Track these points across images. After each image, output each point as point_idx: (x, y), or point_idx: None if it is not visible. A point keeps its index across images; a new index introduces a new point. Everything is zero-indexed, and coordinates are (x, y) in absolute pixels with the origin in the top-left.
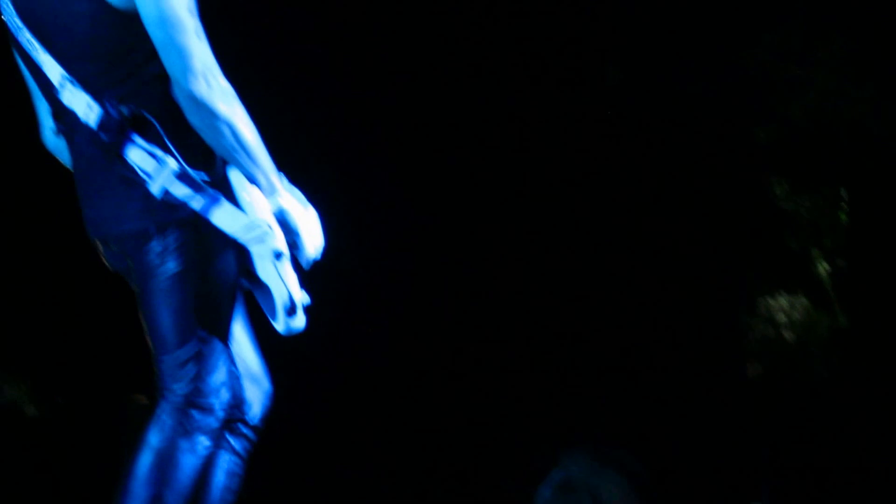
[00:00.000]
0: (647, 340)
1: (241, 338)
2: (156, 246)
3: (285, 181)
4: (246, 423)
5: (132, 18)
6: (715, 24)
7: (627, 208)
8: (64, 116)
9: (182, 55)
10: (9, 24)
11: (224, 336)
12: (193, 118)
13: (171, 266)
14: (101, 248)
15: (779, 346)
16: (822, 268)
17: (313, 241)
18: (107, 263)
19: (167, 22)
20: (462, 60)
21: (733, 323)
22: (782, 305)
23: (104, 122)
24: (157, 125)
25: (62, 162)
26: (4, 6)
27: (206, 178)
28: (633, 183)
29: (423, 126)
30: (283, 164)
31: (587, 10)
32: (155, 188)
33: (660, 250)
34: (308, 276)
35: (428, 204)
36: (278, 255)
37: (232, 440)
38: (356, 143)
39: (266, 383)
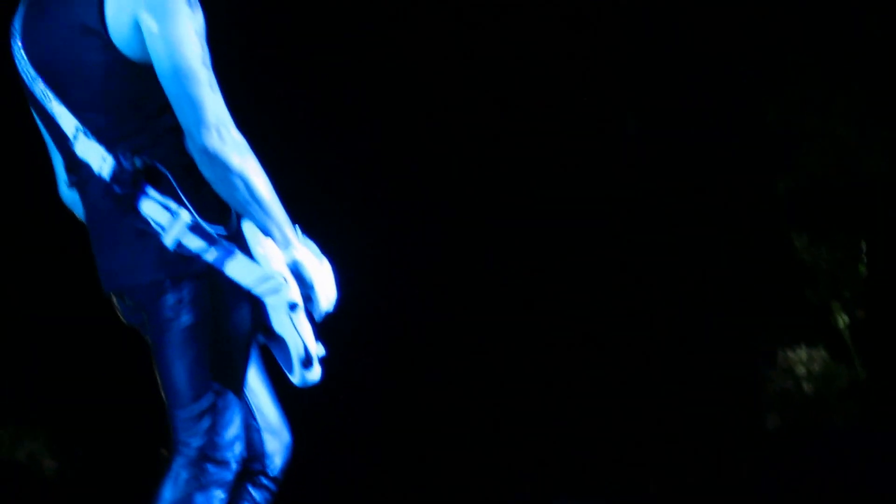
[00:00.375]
0: (667, 391)
1: (259, 390)
2: (170, 298)
3: (300, 233)
4: (267, 475)
5: (147, 70)
6: (735, 75)
7: (647, 258)
8: (77, 168)
9: (195, 108)
10: (23, 75)
11: (239, 389)
12: (206, 171)
13: (185, 319)
14: (115, 301)
15: (798, 399)
16: (842, 320)
17: (327, 294)
18: (121, 317)
19: (180, 74)
20: (486, 113)
21: (752, 375)
22: (801, 357)
23: (118, 174)
24: (170, 177)
25: (78, 216)
26: (19, 56)
27: (220, 231)
28: (653, 233)
29: (438, 176)
30: (297, 217)
31: (607, 61)
32: (168, 240)
33: (679, 301)
34: (323, 327)
35: (447, 257)
36: (293, 307)
37: (253, 492)
38: (371, 196)
39: (286, 435)
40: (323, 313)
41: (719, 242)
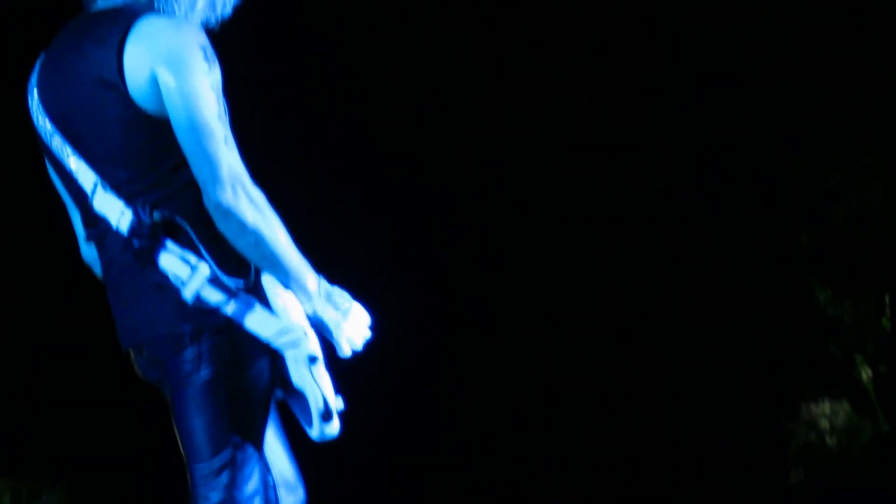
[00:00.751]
0: (692, 445)
1: (275, 445)
2: (190, 352)
3: (324, 283)
4: None
5: (165, 124)
6: (758, 130)
7: (672, 312)
8: (95, 223)
9: (210, 164)
10: (39, 130)
11: (258, 443)
12: (222, 226)
13: (205, 372)
14: (133, 356)
15: (821, 452)
16: (865, 373)
17: (353, 338)
18: (138, 372)
19: (196, 129)
20: (520, 173)
21: (776, 428)
22: (825, 411)
23: (136, 228)
24: (189, 231)
25: (96, 274)
26: (36, 111)
27: (239, 284)
28: (678, 287)
29: (469, 231)
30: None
31: (632, 116)
32: (187, 294)
33: (703, 354)
34: (342, 381)
35: (471, 306)
36: (313, 360)
37: None
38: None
39: (301, 492)
40: (348, 355)
41: (743, 295)
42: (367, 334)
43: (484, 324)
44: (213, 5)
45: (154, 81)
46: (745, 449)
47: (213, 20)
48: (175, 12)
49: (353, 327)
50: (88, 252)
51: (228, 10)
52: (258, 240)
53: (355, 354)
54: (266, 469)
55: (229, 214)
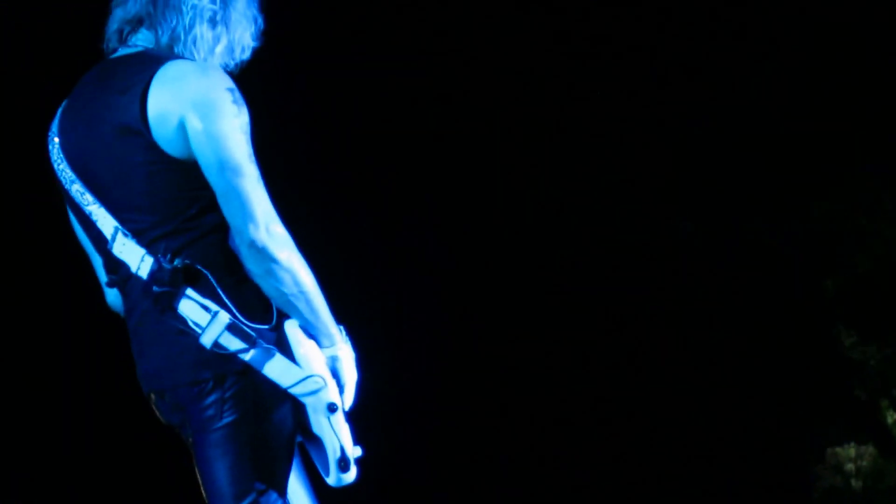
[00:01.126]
0: (719, 489)
1: (297, 489)
2: (211, 397)
3: (343, 333)
4: None
5: (190, 168)
6: (783, 177)
7: (698, 357)
8: (116, 268)
9: (242, 204)
10: (60, 177)
11: (282, 489)
12: (253, 266)
13: (226, 417)
14: (154, 399)
15: (847, 495)
16: (891, 417)
17: (350, 394)
18: (160, 416)
19: (227, 170)
20: (558, 218)
21: (802, 472)
22: (850, 455)
23: (156, 274)
24: (210, 277)
25: (122, 316)
26: (56, 159)
27: (261, 330)
28: (704, 331)
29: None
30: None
31: (662, 162)
32: (206, 341)
33: (730, 400)
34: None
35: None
36: (332, 409)
37: None
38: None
39: None
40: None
41: (770, 340)
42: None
43: (515, 377)
44: (231, 50)
45: (181, 126)
46: (772, 492)
47: (232, 65)
48: (195, 57)
49: (353, 380)
50: (112, 297)
51: (248, 54)
52: (290, 280)
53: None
54: None
55: (262, 253)
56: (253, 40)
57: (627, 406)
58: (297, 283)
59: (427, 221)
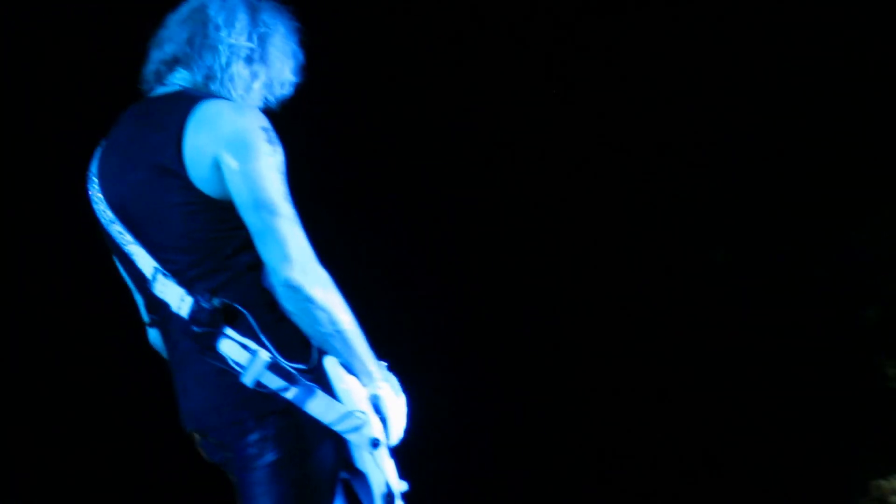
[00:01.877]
0: None
1: None
2: (254, 436)
3: (384, 369)
4: None
5: (226, 208)
6: (821, 206)
7: (736, 390)
8: (157, 308)
9: (277, 243)
10: (100, 218)
11: None
12: (289, 305)
13: (269, 456)
14: (197, 439)
15: None
16: None
17: (398, 428)
18: (203, 455)
19: (262, 209)
20: (588, 242)
21: None
22: (894, 486)
23: (196, 314)
24: (249, 316)
25: (163, 355)
26: (96, 200)
27: (300, 368)
28: (741, 365)
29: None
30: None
31: (695, 194)
32: (247, 380)
33: (771, 433)
34: (403, 461)
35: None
36: (375, 444)
37: None
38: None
39: None
40: (390, 447)
41: (808, 372)
42: (403, 427)
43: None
44: (270, 87)
45: (216, 166)
46: None
47: (272, 101)
48: (232, 96)
49: (400, 417)
50: (154, 336)
51: (288, 90)
52: (326, 318)
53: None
54: None
55: (298, 292)
56: (293, 76)
57: (664, 438)
58: (333, 321)
59: (472, 253)
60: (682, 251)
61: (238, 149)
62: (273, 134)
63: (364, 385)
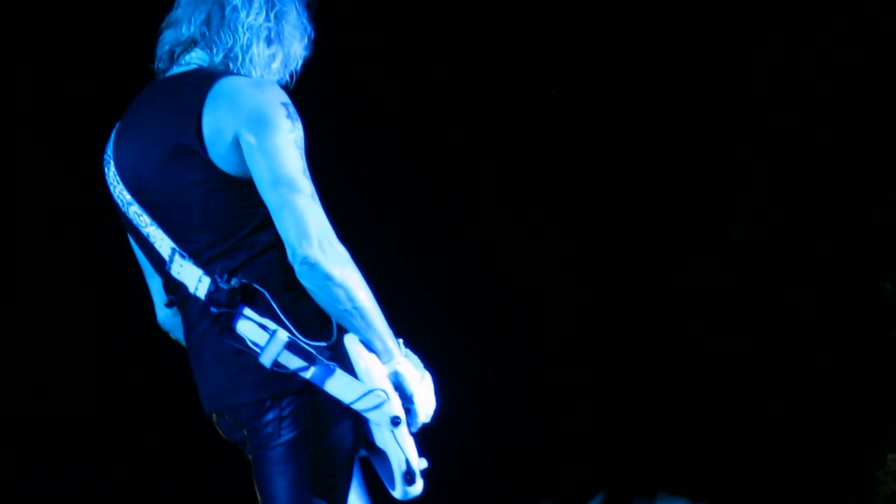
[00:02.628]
0: (778, 497)
1: None
2: (270, 415)
3: (402, 346)
4: None
5: (245, 186)
6: (839, 180)
7: (753, 365)
8: (175, 289)
9: (296, 219)
10: (117, 200)
11: None
12: (308, 282)
13: (286, 434)
14: (215, 418)
15: None
16: None
17: (426, 407)
18: (222, 435)
19: (282, 184)
20: (593, 216)
21: (863, 479)
22: None
23: (214, 294)
24: (267, 296)
25: (174, 338)
26: (113, 182)
27: (320, 347)
28: (759, 338)
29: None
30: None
31: (711, 168)
32: (266, 360)
33: (788, 407)
34: (424, 440)
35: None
36: (395, 422)
37: None
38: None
39: None
40: (420, 425)
41: (828, 346)
42: (434, 404)
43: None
44: (286, 64)
45: (236, 142)
46: (832, 498)
47: (287, 77)
48: (252, 74)
49: (427, 394)
50: (164, 317)
51: (299, 64)
52: (344, 296)
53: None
54: None
55: (317, 270)
56: (304, 50)
57: (679, 410)
58: (351, 299)
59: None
60: (699, 227)
61: (257, 124)
62: (293, 109)
63: (384, 362)
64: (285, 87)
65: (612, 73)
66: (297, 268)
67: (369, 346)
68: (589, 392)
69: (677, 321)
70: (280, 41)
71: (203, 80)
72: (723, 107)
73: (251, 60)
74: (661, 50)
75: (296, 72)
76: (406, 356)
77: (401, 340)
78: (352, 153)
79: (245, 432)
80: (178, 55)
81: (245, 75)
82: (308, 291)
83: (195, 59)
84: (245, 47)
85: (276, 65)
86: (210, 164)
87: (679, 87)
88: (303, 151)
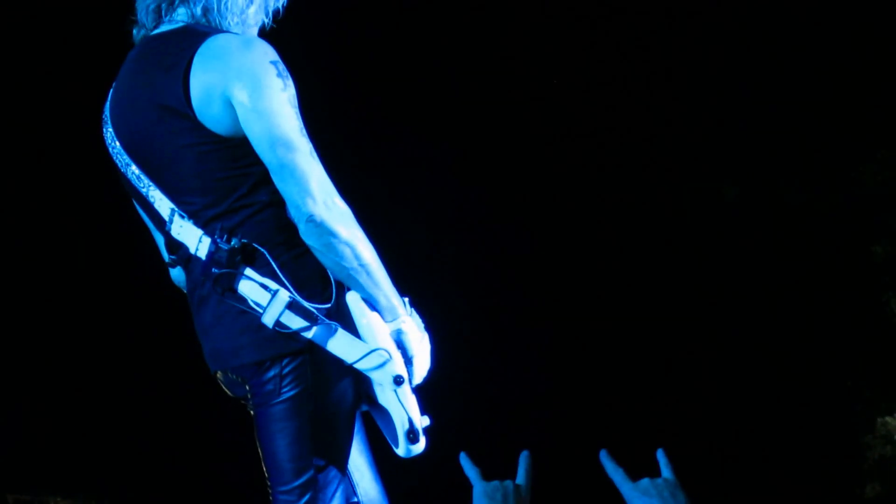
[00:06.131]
0: (767, 459)
1: (360, 464)
2: (271, 373)
3: (408, 305)
4: None
5: (238, 145)
6: (830, 141)
7: (744, 326)
8: (176, 249)
9: (298, 179)
10: (116, 161)
11: (342, 464)
12: (312, 241)
13: (286, 392)
14: (220, 376)
15: None
16: None
17: (422, 368)
18: (225, 390)
19: (280, 144)
20: (588, 182)
21: (852, 442)
22: None
23: (215, 256)
24: (268, 256)
25: (185, 290)
26: (111, 143)
27: (321, 308)
28: (749, 299)
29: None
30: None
31: (705, 129)
32: (267, 320)
33: (778, 369)
34: (426, 397)
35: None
36: (398, 381)
37: None
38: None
39: None
40: (414, 385)
41: (816, 307)
42: (429, 366)
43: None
44: (265, 5)
45: (227, 103)
46: (821, 463)
47: (267, 21)
48: (230, 24)
49: (425, 355)
50: (176, 274)
51: (279, 3)
52: (350, 253)
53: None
54: (351, 490)
55: (321, 228)
56: None
57: (671, 373)
58: (357, 256)
59: (476, 195)
60: (693, 188)
61: (249, 85)
62: (283, 66)
63: (387, 321)
64: (266, 33)
65: (604, 40)
66: (302, 227)
67: (372, 305)
68: (585, 351)
69: (668, 281)
70: None
71: (189, 40)
72: (716, 70)
73: (226, 6)
74: (652, 20)
75: (277, 10)
76: (410, 315)
77: (406, 299)
78: (356, 147)
79: (247, 388)
80: (164, 12)
81: (228, 30)
82: (312, 250)
83: (180, 15)
84: None
85: (253, 8)
86: (200, 127)
87: (673, 51)
88: (297, 109)
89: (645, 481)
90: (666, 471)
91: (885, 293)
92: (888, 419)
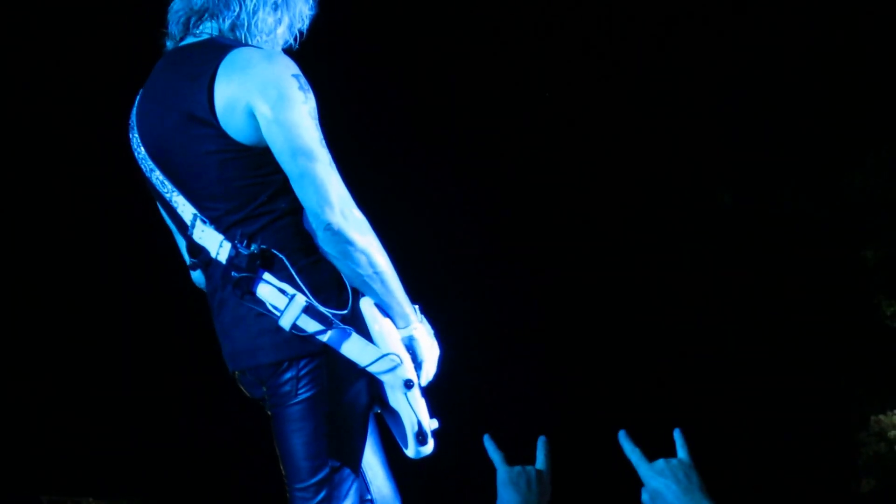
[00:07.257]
0: (762, 456)
1: (373, 463)
2: (288, 374)
3: (419, 312)
4: None
5: (260, 154)
6: (821, 148)
7: (739, 329)
8: (198, 253)
9: (317, 188)
10: (141, 166)
11: (356, 464)
12: (329, 248)
13: (303, 393)
14: (238, 377)
15: (891, 462)
16: None
17: (429, 374)
18: (244, 390)
19: (301, 154)
20: (586, 188)
21: (846, 439)
22: (893, 421)
23: (234, 259)
24: (286, 261)
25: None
26: (137, 149)
27: (336, 312)
28: (744, 303)
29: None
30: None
31: (698, 139)
32: (284, 323)
33: (773, 370)
34: (434, 399)
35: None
36: (408, 385)
37: None
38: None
39: None
40: (424, 384)
41: (810, 310)
42: (436, 367)
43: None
44: (291, 27)
45: (249, 114)
46: (815, 460)
47: (292, 40)
48: (258, 41)
49: (434, 362)
50: (198, 276)
51: (305, 24)
52: (366, 261)
53: (427, 385)
54: (365, 488)
55: (339, 236)
56: (310, 10)
57: (667, 374)
58: (372, 264)
59: (481, 195)
60: (689, 195)
61: (271, 97)
62: (304, 80)
63: (399, 327)
64: (291, 52)
65: (600, 47)
66: (320, 234)
67: (385, 311)
68: (589, 348)
69: (665, 286)
70: (286, 5)
71: (215, 52)
72: (710, 77)
73: (256, 26)
74: (648, 27)
75: (301, 32)
76: (421, 322)
77: (417, 306)
78: (372, 157)
79: (265, 389)
80: (192, 24)
81: (254, 45)
82: (329, 257)
83: (207, 28)
84: (251, 14)
85: (281, 29)
86: (223, 135)
87: (668, 57)
88: (317, 121)
89: (660, 462)
90: (682, 451)
91: (876, 295)
92: (881, 417)
